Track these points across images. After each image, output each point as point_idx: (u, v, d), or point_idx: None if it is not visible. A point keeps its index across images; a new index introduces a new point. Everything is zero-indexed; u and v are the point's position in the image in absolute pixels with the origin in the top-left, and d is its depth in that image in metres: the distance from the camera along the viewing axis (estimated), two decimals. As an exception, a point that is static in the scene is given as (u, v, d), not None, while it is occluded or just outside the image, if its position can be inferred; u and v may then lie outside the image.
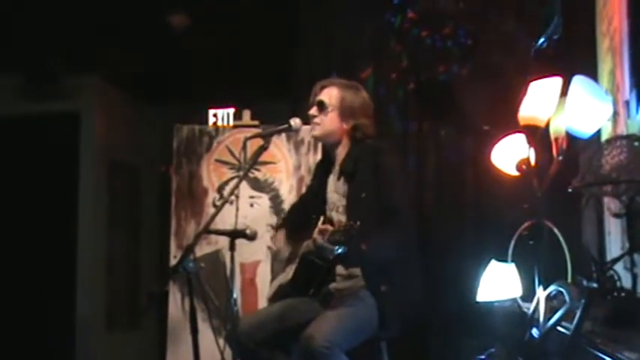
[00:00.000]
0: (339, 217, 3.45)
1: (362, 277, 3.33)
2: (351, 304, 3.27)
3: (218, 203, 4.81)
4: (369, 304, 3.28)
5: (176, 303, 4.79)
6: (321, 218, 3.32)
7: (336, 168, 3.53)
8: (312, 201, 3.67)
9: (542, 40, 3.78)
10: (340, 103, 3.48)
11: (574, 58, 3.90)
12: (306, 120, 3.55)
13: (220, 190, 4.95)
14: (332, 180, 3.57)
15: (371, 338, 3.30)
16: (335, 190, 3.52)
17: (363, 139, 3.50)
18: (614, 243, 3.31)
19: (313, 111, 3.51)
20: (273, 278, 3.68)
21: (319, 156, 4.79)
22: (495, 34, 4.65)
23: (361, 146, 3.46)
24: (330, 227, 3.11)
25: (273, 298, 3.54)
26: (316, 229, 3.21)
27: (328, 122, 3.49)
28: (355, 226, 2.96)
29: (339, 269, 3.43)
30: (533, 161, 2.92)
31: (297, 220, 3.66)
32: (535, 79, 2.91)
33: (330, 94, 3.51)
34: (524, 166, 2.96)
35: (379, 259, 3.23)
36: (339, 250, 3.02)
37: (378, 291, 3.28)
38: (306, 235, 3.47)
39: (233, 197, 3.23)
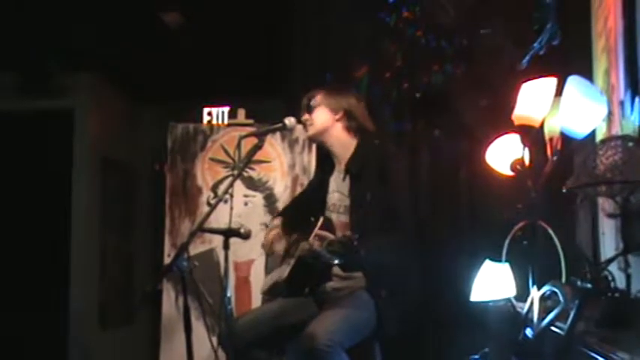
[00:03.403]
0: (339, 218, 3.46)
1: (361, 278, 3.35)
2: (351, 304, 3.28)
3: (212, 202, 4.82)
4: (367, 304, 3.29)
5: (170, 301, 4.79)
6: (320, 220, 3.33)
7: (341, 167, 3.54)
8: (311, 199, 3.69)
9: (537, 46, 3.78)
10: (326, 98, 3.57)
11: (569, 58, 3.90)
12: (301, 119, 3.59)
13: (214, 188, 4.95)
14: (334, 180, 3.58)
15: (367, 338, 3.31)
16: (337, 190, 3.53)
17: (364, 132, 3.53)
18: (609, 243, 3.31)
19: (304, 117, 3.56)
20: (267, 272, 3.69)
21: (314, 155, 4.81)
22: (489, 39, 4.64)
23: (369, 148, 3.49)
24: (328, 235, 3.13)
25: (268, 293, 3.55)
26: (313, 234, 3.22)
27: (318, 117, 3.53)
28: (354, 238, 2.98)
29: (337, 270, 3.43)
30: (527, 161, 2.91)
31: (295, 215, 3.68)
32: (526, 81, 2.90)
33: (314, 97, 3.58)
34: (518, 166, 2.96)
35: (380, 265, 3.25)
36: (336, 262, 3.05)
37: (377, 293, 3.30)
38: (302, 233, 3.48)
39: (227, 196, 3.23)
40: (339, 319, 3.18)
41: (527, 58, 3.55)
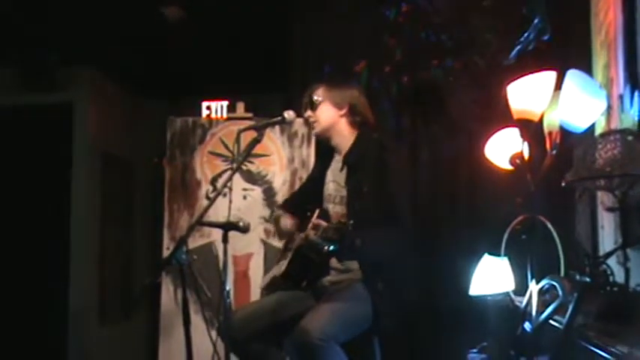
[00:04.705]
0: (335, 208, 3.46)
1: (358, 272, 3.34)
2: (347, 298, 3.27)
3: (211, 195, 4.82)
4: (364, 298, 3.28)
5: (169, 295, 4.80)
6: (317, 211, 3.33)
7: (340, 158, 3.54)
8: (310, 190, 3.69)
9: (523, 40, 3.77)
10: (328, 93, 3.53)
11: (568, 52, 3.90)
12: (300, 112, 3.57)
13: (213, 182, 4.95)
14: (332, 171, 3.58)
15: (365, 332, 3.30)
16: (333, 180, 3.53)
17: (365, 125, 3.53)
18: (608, 237, 3.31)
19: (307, 113, 3.54)
20: (266, 268, 3.71)
21: (313, 148, 4.81)
22: (486, 34, 4.65)
23: (368, 140, 3.48)
24: (323, 223, 3.12)
25: (267, 288, 3.55)
26: (310, 224, 3.22)
27: (323, 114, 3.52)
28: (348, 223, 2.98)
29: (334, 263, 3.43)
30: (526, 155, 2.91)
31: (295, 207, 3.68)
32: (525, 75, 2.89)
33: (316, 93, 3.55)
34: (517, 161, 2.96)
35: (375, 256, 3.24)
36: (331, 248, 3.03)
37: (374, 287, 3.29)
38: (301, 224, 3.48)
39: (226, 189, 3.23)
40: (334, 313, 3.18)
41: (514, 52, 3.54)
